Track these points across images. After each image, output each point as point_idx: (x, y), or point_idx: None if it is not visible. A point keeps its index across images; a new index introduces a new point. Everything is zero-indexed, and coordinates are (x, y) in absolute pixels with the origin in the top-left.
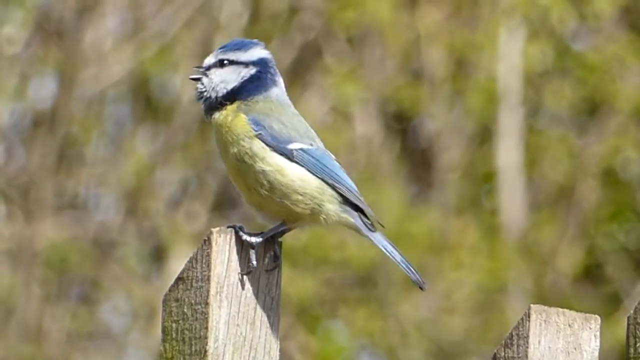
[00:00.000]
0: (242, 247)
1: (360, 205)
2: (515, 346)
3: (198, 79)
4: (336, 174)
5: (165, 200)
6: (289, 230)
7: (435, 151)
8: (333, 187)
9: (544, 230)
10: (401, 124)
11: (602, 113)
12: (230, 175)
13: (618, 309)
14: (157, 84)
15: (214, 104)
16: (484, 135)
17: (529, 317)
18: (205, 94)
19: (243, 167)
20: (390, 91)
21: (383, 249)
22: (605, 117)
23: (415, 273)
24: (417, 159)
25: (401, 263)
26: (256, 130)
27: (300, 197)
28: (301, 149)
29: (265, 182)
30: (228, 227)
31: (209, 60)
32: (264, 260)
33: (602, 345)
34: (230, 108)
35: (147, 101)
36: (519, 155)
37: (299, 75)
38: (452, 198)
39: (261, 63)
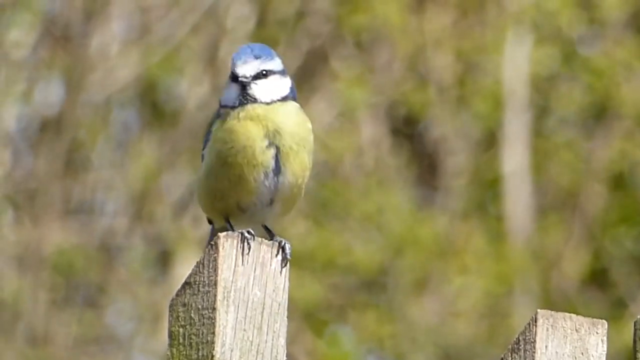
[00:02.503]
0: (249, 248)
1: None
2: (522, 351)
3: (248, 84)
4: None
5: (171, 204)
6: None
7: (442, 155)
8: None
9: (550, 234)
10: (408, 128)
11: (609, 117)
12: (287, 160)
13: (624, 313)
14: (164, 89)
15: (265, 102)
16: (491, 140)
17: (535, 322)
18: (260, 97)
19: (309, 152)
20: (398, 95)
21: None
22: (612, 122)
23: None
24: (424, 163)
25: None
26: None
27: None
28: None
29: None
30: (236, 231)
31: (251, 69)
32: (271, 264)
33: (609, 350)
34: (294, 104)
35: (153, 106)
36: (525, 159)
37: (306, 80)
38: (458, 202)
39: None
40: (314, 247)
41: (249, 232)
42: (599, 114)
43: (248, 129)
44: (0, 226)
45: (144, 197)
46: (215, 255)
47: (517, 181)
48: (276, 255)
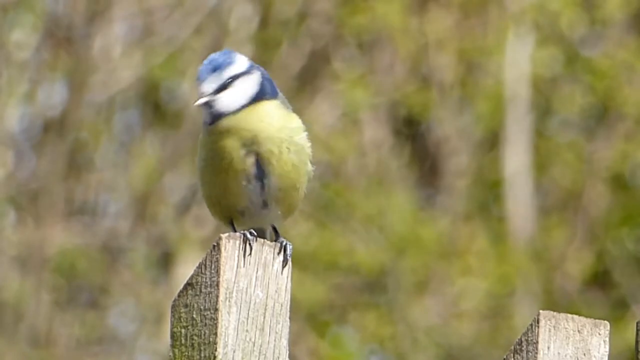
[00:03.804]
0: (251, 248)
1: None
2: (525, 352)
3: (211, 102)
4: None
5: (173, 205)
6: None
7: (444, 156)
8: None
9: (552, 235)
10: (410, 129)
11: (611, 118)
12: (269, 164)
13: (626, 314)
14: (166, 90)
15: (233, 111)
16: (493, 141)
17: (538, 322)
18: (226, 109)
19: (295, 155)
20: (400, 96)
21: None
22: (614, 122)
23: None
24: (426, 164)
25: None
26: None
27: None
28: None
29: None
30: (238, 232)
31: (211, 84)
32: (274, 265)
33: (611, 351)
34: (269, 102)
35: (156, 107)
36: (527, 160)
37: (308, 81)
38: (460, 203)
39: (256, 67)
40: (316, 247)
41: (251, 233)
42: (601, 114)
43: (224, 144)
44: (2, 227)
45: (146, 198)
46: (218, 256)
47: (519, 182)
48: (278, 254)
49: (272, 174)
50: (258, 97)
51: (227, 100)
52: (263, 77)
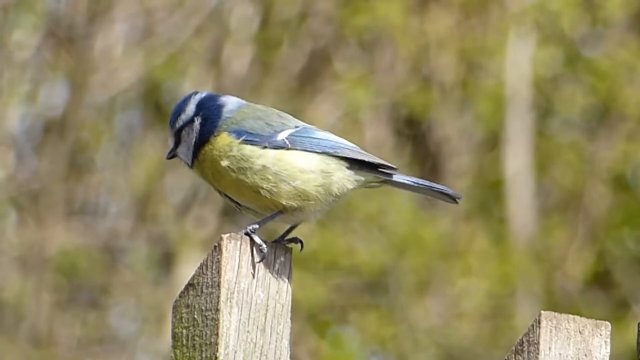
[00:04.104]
0: (252, 245)
1: (369, 159)
2: (526, 352)
3: (174, 156)
4: (332, 142)
5: (174, 206)
6: (295, 225)
7: (444, 156)
8: (335, 156)
9: (553, 235)
10: (411, 129)
11: (612, 118)
12: (233, 192)
13: (627, 314)
14: (167, 90)
15: (194, 155)
16: (494, 141)
17: (539, 323)
18: (187, 160)
19: (242, 173)
20: (401, 96)
21: (409, 182)
22: (615, 123)
23: (448, 189)
24: (427, 164)
25: (432, 186)
26: (239, 138)
27: (309, 176)
28: (290, 135)
29: (270, 177)
30: (239, 233)
31: (171, 139)
32: (275, 266)
33: (612, 351)
34: (208, 149)
35: (157, 107)
36: (528, 160)
37: (309, 81)
38: (461, 203)
39: (201, 106)
40: (317, 248)
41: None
42: (602, 115)
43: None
44: (4, 227)
45: (147, 199)
46: (219, 256)
47: (520, 182)
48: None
49: (241, 201)
50: (200, 143)
51: (182, 153)
52: (202, 117)
